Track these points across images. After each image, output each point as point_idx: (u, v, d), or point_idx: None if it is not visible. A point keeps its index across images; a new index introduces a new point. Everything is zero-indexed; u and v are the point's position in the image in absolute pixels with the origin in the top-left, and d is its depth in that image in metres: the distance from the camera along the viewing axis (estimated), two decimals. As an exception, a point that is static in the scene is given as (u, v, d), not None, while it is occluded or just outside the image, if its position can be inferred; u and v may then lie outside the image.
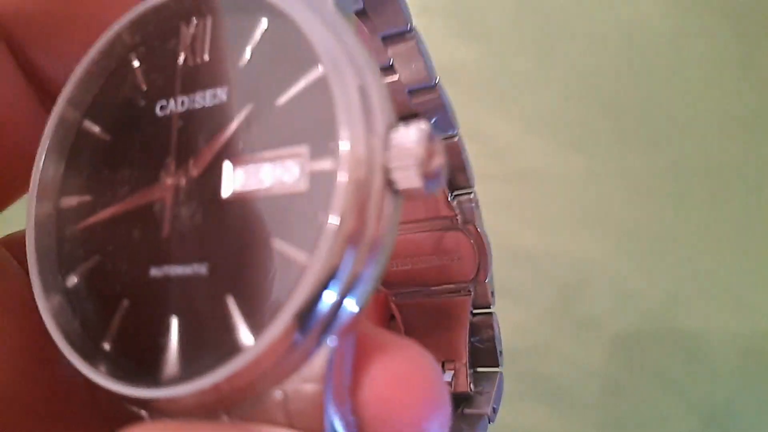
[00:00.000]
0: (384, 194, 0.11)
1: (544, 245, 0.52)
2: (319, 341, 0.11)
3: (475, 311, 0.23)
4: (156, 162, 0.13)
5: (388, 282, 0.23)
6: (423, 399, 0.12)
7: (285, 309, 0.10)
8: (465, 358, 0.22)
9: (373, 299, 0.23)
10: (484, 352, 0.23)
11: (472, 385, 0.22)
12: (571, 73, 0.57)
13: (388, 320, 0.24)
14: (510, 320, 0.49)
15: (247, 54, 0.12)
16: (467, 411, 0.22)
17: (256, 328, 0.11)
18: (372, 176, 0.10)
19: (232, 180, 0.12)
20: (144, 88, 0.14)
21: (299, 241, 0.11)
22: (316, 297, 0.10)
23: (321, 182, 0.11)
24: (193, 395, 0.11)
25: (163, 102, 0.13)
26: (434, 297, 0.23)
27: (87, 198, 0.13)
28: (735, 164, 0.54)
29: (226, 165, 0.12)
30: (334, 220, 0.10)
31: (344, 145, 0.10)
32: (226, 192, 0.12)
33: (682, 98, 0.56)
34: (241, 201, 0.12)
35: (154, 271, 0.12)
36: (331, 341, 0.11)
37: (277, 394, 0.11)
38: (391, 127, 0.11)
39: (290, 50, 0.12)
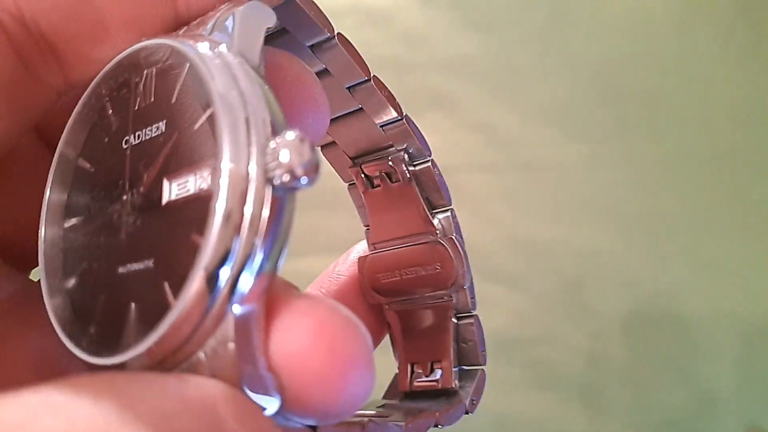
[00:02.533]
0: (264, 190, 0.14)
1: (549, 234, 0.52)
2: (226, 308, 0.14)
3: (459, 315, 0.25)
4: (117, 185, 0.17)
5: (381, 292, 0.26)
6: (333, 352, 0.13)
7: (192, 279, 0.13)
8: (450, 357, 0.25)
9: (369, 308, 0.26)
10: (468, 351, 0.25)
11: (456, 381, 0.25)
12: (576, 63, 0.57)
13: (384, 326, 0.26)
14: (515, 309, 0.50)
15: (175, 94, 0.16)
16: (449, 401, 0.25)
17: (176, 296, 0.14)
18: (251, 177, 0.14)
19: (168, 192, 0.15)
20: (113, 128, 0.17)
21: (204, 231, 0.14)
22: (214, 272, 0.13)
23: (216, 186, 0.14)
24: (135, 359, 0.14)
25: (126, 137, 0.17)
26: (420, 303, 0.26)
27: (81, 218, 0.17)
28: (739, 152, 0.54)
29: (165, 181, 0.15)
30: (219, 211, 0.14)
31: (225, 158, 0.14)
32: (163, 201, 0.15)
33: (687, 87, 0.56)
34: (174, 207, 0.15)
35: (121, 270, 0.16)
36: (235, 308, 0.14)
37: (201, 355, 0.14)
38: (269, 139, 0.14)
39: (197, 92, 0.16)
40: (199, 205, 0.14)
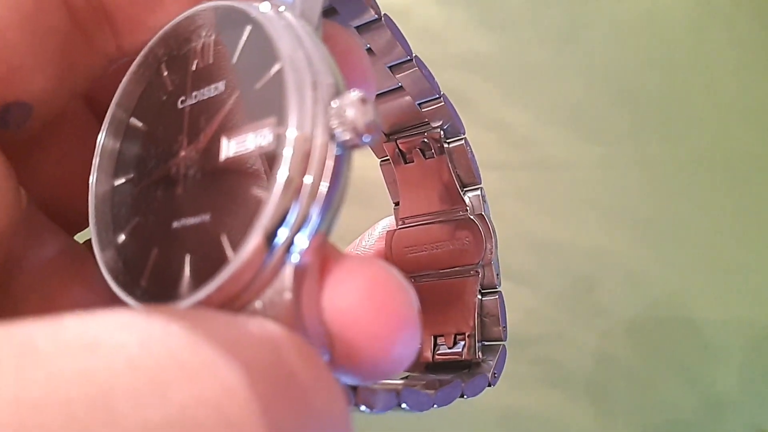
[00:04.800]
0: (327, 148, 0.15)
1: (561, 233, 0.53)
2: (282, 262, 0.14)
3: (483, 290, 0.26)
4: (174, 142, 0.17)
5: (408, 265, 0.27)
6: (384, 311, 0.14)
7: (251, 235, 0.14)
8: (473, 331, 0.25)
9: None
10: (491, 326, 0.26)
11: (480, 353, 0.25)
12: (591, 63, 0.58)
13: None
14: (525, 307, 0.50)
15: (237, 54, 0.17)
16: (472, 372, 0.25)
17: (235, 250, 0.15)
18: (315, 138, 0.15)
19: (227, 149, 0.16)
20: (170, 89, 0.18)
21: (265, 189, 0.15)
22: (273, 231, 0.14)
23: (280, 143, 0.15)
24: (195, 306, 0.15)
25: (183, 98, 0.18)
26: (446, 279, 0.26)
27: (131, 175, 0.18)
28: (752, 155, 0.54)
29: (223, 138, 0.16)
30: (283, 173, 0.14)
31: (292, 117, 0.15)
32: (222, 157, 0.16)
33: (702, 89, 0.57)
34: (232, 163, 0.16)
35: (175, 224, 0.16)
36: (293, 258, 0.14)
37: (258, 304, 0.15)
38: (333, 99, 0.15)
39: (262, 51, 0.16)
40: (260, 162, 0.15)
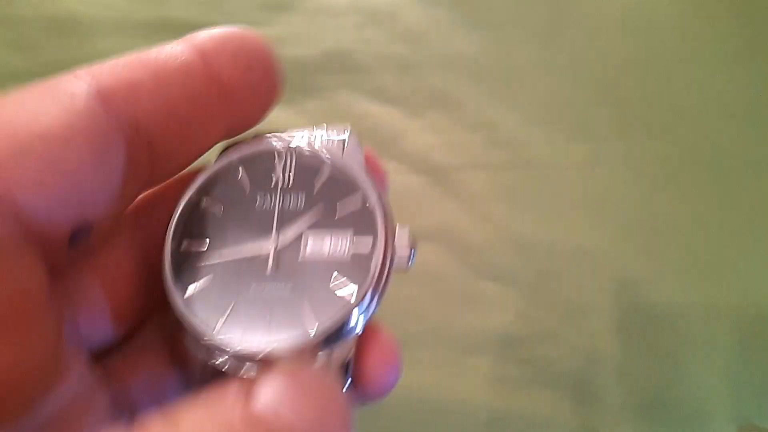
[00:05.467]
0: (388, 270, 0.22)
1: (548, 233, 0.53)
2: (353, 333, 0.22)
3: None
4: (260, 230, 0.23)
5: None
6: (393, 368, 0.23)
7: (338, 315, 0.21)
8: None
9: None
10: None
11: None
12: (575, 61, 0.58)
13: None
14: (513, 308, 0.50)
15: (318, 183, 0.23)
16: None
17: (320, 320, 0.21)
18: (386, 259, 0.22)
19: (306, 246, 0.22)
20: (248, 187, 0.24)
21: (351, 282, 0.22)
22: (347, 318, 0.21)
23: (362, 254, 0.22)
24: (281, 352, 0.21)
25: (261, 196, 0.24)
26: None
27: (204, 241, 0.23)
28: (738, 152, 0.55)
29: (304, 237, 0.23)
30: (367, 281, 0.22)
31: (378, 240, 0.22)
32: (303, 253, 0.22)
33: (686, 87, 0.57)
34: (311, 255, 0.22)
35: (254, 286, 0.22)
36: (359, 330, 0.22)
37: (321, 356, 0.21)
38: (394, 230, 0.23)
39: (344, 185, 0.23)
40: (339, 264, 0.22)
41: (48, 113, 0.20)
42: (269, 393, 0.19)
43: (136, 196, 0.24)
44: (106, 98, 0.21)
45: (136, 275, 0.24)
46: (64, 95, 0.21)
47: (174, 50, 0.24)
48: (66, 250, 0.21)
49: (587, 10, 0.60)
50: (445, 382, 0.49)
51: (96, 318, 0.24)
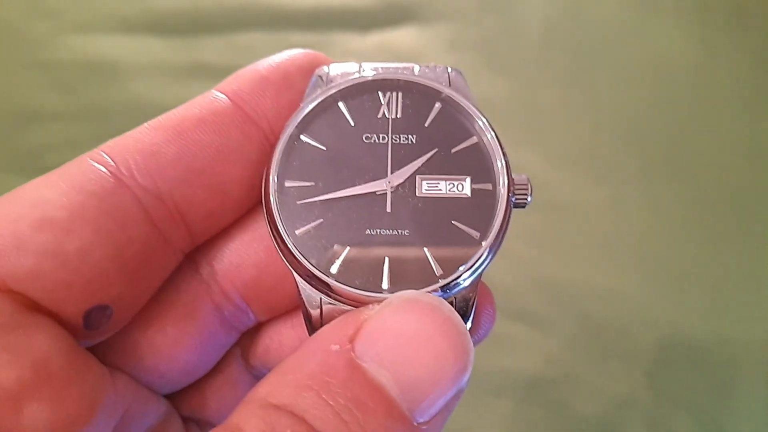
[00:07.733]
0: (510, 206, 0.22)
1: (572, 275, 0.53)
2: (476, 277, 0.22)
3: None
4: (372, 169, 0.22)
5: None
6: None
7: (470, 262, 0.22)
8: None
9: None
10: None
11: None
12: (598, 106, 0.59)
13: None
14: (538, 350, 0.50)
15: (429, 119, 0.23)
16: None
17: (444, 270, 0.21)
18: (505, 197, 0.22)
19: (422, 186, 0.22)
20: (352, 123, 0.23)
21: (473, 225, 0.22)
22: (484, 261, 0.21)
23: (482, 195, 0.22)
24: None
25: (368, 134, 0.23)
26: None
27: (308, 183, 0.23)
28: (759, 194, 0.55)
29: (419, 178, 0.22)
30: (498, 219, 0.22)
31: (501, 178, 0.22)
32: (419, 193, 0.22)
33: (708, 131, 0.57)
34: (427, 199, 0.22)
35: (369, 231, 0.22)
36: (477, 277, 0.22)
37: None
38: (510, 170, 0.22)
39: (457, 122, 0.23)
40: (460, 202, 0.22)
41: (53, 201, 0.20)
42: (384, 313, 0.19)
43: (179, 260, 0.24)
44: (124, 175, 0.21)
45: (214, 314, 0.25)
46: (77, 179, 0.20)
47: (204, 101, 0.23)
48: (81, 328, 0.21)
49: (610, 56, 0.61)
50: (468, 422, 0.48)
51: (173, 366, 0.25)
